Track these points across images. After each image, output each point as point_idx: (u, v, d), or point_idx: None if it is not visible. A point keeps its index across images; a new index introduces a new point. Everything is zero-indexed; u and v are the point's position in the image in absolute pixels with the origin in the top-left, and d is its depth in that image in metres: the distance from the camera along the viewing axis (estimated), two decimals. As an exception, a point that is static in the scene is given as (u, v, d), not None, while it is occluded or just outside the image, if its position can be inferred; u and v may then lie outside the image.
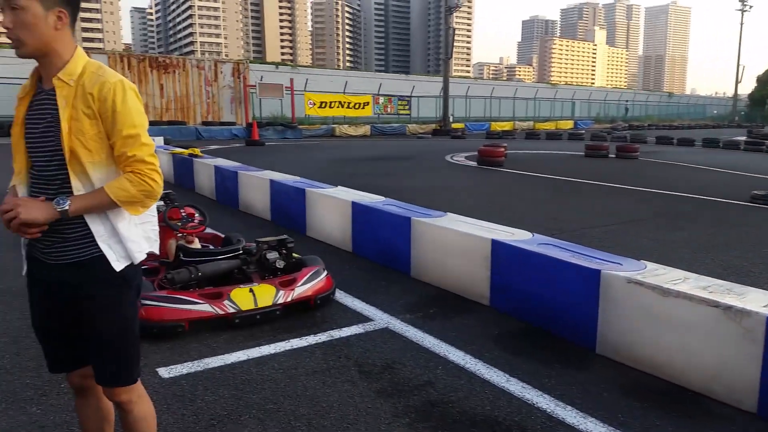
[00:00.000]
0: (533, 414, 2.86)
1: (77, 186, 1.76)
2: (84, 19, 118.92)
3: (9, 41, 1.72)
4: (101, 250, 1.80)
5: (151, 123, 19.14)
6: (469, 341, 3.71)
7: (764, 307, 2.87)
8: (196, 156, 10.28)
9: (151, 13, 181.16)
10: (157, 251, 2.03)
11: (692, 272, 3.52)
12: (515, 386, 3.13)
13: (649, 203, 9.65)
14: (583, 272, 3.59)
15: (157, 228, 2.00)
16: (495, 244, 4.26)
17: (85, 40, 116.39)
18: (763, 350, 2.76)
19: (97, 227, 1.79)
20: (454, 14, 30.99)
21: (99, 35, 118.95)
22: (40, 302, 1.90)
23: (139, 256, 1.88)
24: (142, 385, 2.03)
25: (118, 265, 1.82)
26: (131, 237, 1.85)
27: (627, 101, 60.62)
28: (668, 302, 3.14)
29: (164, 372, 3.21)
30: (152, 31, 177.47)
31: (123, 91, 1.75)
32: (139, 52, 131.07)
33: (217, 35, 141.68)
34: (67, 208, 1.71)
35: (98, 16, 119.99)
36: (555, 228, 7.13)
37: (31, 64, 1.81)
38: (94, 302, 1.82)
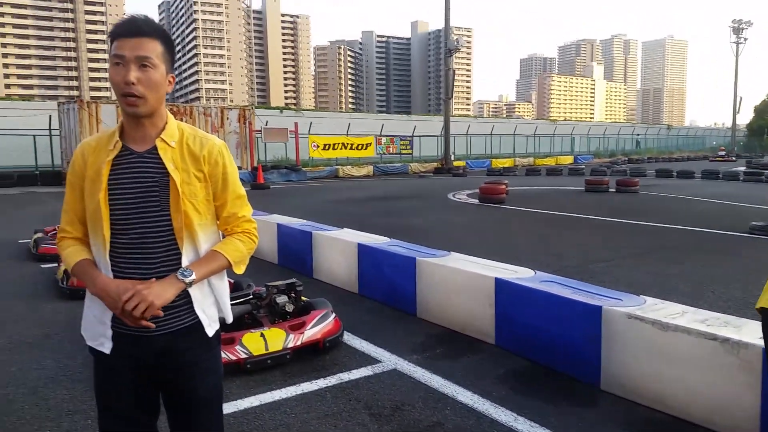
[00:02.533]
0: (540, 451, 2.92)
1: (187, 250, 1.72)
2: (92, 69, 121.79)
3: (129, 95, 1.63)
4: (198, 317, 1.77)
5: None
6: (476, 380, 3.78)
7: (760, 338, 2.95)
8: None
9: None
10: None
11: (693, 306, 3.62)
12: (523, 425, 3.19)
13: (649, 237, 9.75)
14: (585, 309, 3.68)
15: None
16: (499, 282, 4.36)
17: (93, 89, 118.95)
18: (762, 381, 2.84)
19: (195, 292, 1.73)
20: (454, 56, 31.70)
21: (107, 84, 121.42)
22: (120, 379, 1.75)
23: (229, 314, 1.89)
24: None
25: (210, 330, 1.80)
26: (222, 296, 1.85)
27: (638, 135, 61.26)
28: (668, 336, 3.23)
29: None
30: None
31: (228, 154, 1.80)
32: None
33: (223, 81, 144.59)
34: (194, 278, 1.68)
35: (106, 65, 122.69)
36: (557, 264, 7.22)
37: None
38: (197, 367, 1.78)
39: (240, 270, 1.82)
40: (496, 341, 4.39)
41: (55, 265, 6.76)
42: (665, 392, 3.27)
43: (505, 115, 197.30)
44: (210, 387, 1.83)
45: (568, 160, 43.17)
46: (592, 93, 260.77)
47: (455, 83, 32.26)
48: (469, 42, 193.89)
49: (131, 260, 1.69)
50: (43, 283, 6.47)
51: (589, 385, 3.66)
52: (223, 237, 1.85)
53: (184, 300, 1.72)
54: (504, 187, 15.23)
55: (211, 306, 1.81)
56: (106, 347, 1.73)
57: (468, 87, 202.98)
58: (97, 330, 1.75)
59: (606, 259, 7.70)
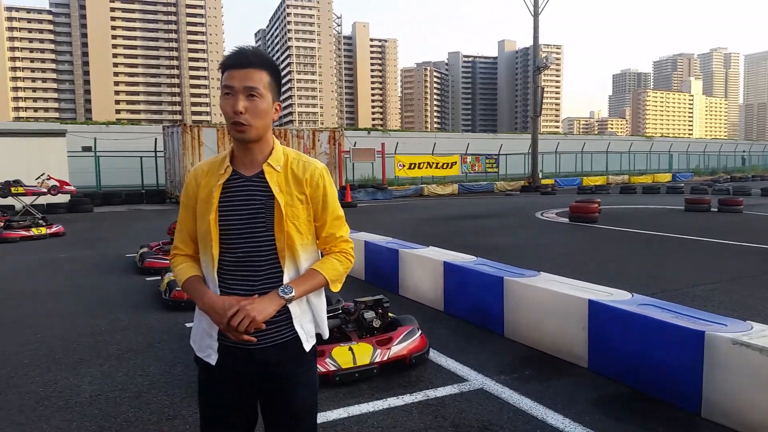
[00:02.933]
0: (638, 481, 2.77)
1: (289, 268, 1.81)
2: (193, 94, 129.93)
3: (238, 123, 1.74)
4: (296, 332, 1.85)
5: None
6: (567, 404, 3.65)
7: None
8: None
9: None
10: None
11: (808, 334, 3.32)
12: (618, 452, 3.05)
13: (755, 259, 9.05)
14: (686, 334, 3.48)
15: None
16: (592, 304, 4.21)
17: (194, 113, 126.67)
18: None
19: (294, 308, 1.82)
20: (542, 73, 31.14)
21: (207, 108, 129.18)
22: (224, 389, 1.86)
23: (326, 330, 1.95)
24: None
25: (308, 345, 1.87)
26: (320, 312, 1.93)
27: (744, 151, 57.40)
28: (781, 366, 2.98)
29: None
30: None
31: (329, 177, 1.89)
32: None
33: (314, 105, 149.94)
34: (293, 294, 1.77)
35: (206, 91, 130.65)
36: (655, 287, 6.86)
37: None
38: (294, 381, 1.85)
39: (336, 288, 1.89)
40: (589, 365, 4.22)
41: (159, 278, 7.21)
42: (779, 426, 3.01)
43: (596, 132, 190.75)
44: (305, 401, 1.88)
45: (665, 177, 41.01)
46: (690, 108, 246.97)
47: (544, 100, 31.62)
48: (558, 59, 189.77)
49: (237, 277, 1.80)
50: (147, 295, 6.92)
51: (689, 413, 3.44)
52: (322, 256, 1.92)
53: (284, 316, 1.80)
54: (596, 205, 14.67)
55: (309, 322, 1.88)
56: (212, 359, 1.83)
57: (557, 104, 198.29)
58: (204, 342, 1.86)
59: (709, 282, 7.22)
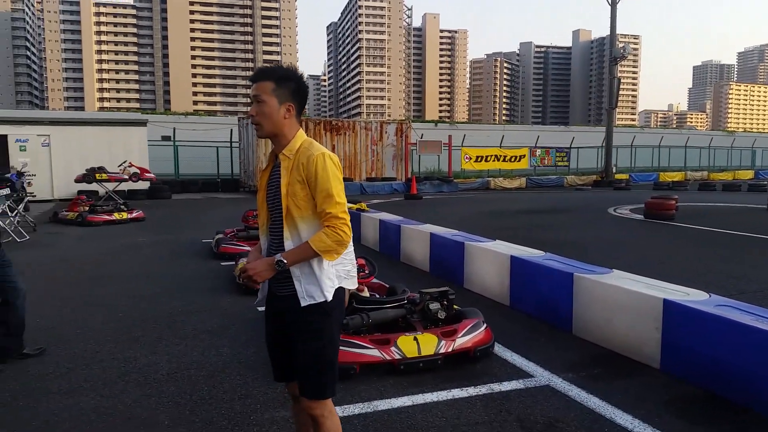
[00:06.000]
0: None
1: (288, 236, 2.26)
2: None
3: (254, 124, 2.29)
4: (295, 289, 2.26)
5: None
6: (637, 405, 3.56)
7: None
8: (363, 210, 10.98)
9: (324, 80, 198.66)
10: (355, 287, 2.47)
11: None
12: (690, 456, 2.95)
13: None
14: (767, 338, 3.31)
15: (353, 268, 2.44)
16: (667, 304, 4.06)
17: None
18: None
19: (294, 270, 2.25)
20: (619, 64, 29.97)
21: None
22: (269, 324, 2.43)
23: (330, 293, 2.27)
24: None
25: (303, 301, 2.24)
26: (323, 277, 2.26)
27: None
28: None
29: (338, 411, 3.49)
30: (324, 95, 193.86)
31: (323, 160, 2.21)
32: (313, 116, 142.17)
33: (382, 97, 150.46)
34: (285, 263, 2.21)
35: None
36: (734, 288, 6.52)
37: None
38: (304, 328, 2.27)
39: (330, 257, 2.23)
40: (662, 366, 4.09)
41: (233, 263, 7.50)
42: None
43: (675, 126, 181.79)
44: (316, 350, 2.26)
45: (747, 174, 38.68)
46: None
47: (620, 92, 30.41)
48: (636, 49, 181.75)
49: (273, 241, 2.34)
50: (222, 279, 7.22)
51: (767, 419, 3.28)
52: None
53: (287, 274, 2.25)
54: (673, 202, 14.01)
55: (311, 284, 2.25)
56: (259, 303, 2.47)
57: (634, 96, 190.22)
58: (261, 290, 2.44)
59: (796, 287, 6.80)
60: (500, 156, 30.01)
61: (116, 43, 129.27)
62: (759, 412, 3.38)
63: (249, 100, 2.28)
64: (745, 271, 7.75)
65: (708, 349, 3.73)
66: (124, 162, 15.44)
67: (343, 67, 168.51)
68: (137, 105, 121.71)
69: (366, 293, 4.96)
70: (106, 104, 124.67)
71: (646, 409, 3.50)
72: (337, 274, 2.32)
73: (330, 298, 2.27)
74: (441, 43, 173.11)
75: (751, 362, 3.43)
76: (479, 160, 29.37)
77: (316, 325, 2.26)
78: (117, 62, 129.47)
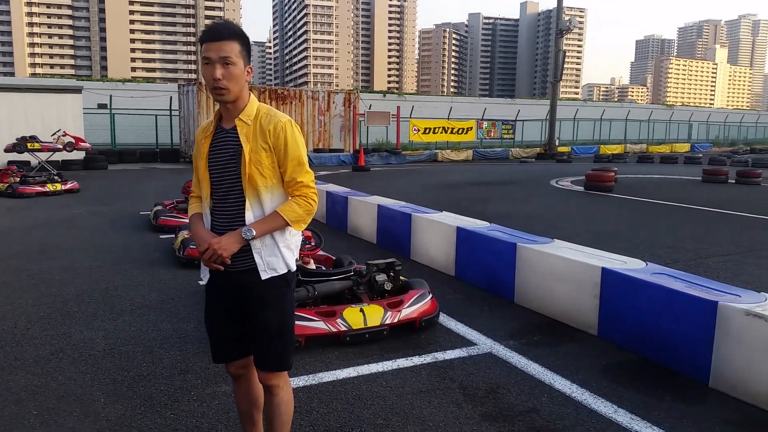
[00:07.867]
0: (643, 447, 2.79)
1: (253, 206, 2.13)
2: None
3: (217, 88, 2.07)
4: (255, 262, 2.16)
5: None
6: (575, 370, 3.67)
7: None
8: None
9: (270, 47, 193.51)
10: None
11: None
12: (623, 417, 3.07)
13: (777, 233, 8.92)
14: (699, 304, 3.46)
15: (299, 241, 2.36)
16: (605, 272, 4.19)
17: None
18: None
19: (255, 243, 2.14)
20: (564, 37, 30.40)
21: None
22: (218, 301, 2.27)
23: (292, 263, 2.24)
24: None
25: (264, 274, 2.16)
26: (284, 248, 2.20)
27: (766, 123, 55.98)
28: (795, 339, 2.96)
29: (282, 383, 3.46)
30: (270, 63, 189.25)
31: (291, 128, 2.15)
32: (258, 84, 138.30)
33: (329, 66, 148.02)
34: (254, 234, 2.10)
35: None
36: (669, 257, 6.81)
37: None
38: (262, 302, 2.18)
39: (299, 228, 2.17)
40: (599, 333, 4.23)
41: (173, 236, 7.28)
42: (789, 398, 3.01)
43: (617, 99, 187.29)
44: (274, 322, 2.19)
45: (684, 148, 40.30)
46: (713, 77, 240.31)
47: (565, 65, 30.93)
48: (581, 22, 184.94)
49: (220, 214, 2.18)
50: (161, 252, 7.00)
51: (698, 383, 3.45)
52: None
53: (247, 247, 2.14)
54: (612, 174, 14.49)
55: (272, 256, 2.17)
56: (205, 279, 2.29)
57: (578, 70, 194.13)
58: (203, 266, 2.24)
59: (723, 254, 7.16)
60: (448, 128, 30.18)
61: (49, 5, 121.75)
62: (690, 376, 3.54)
63: (206, 62, 2.07)
64: (680, 240, 8.10)
65: (643, 316, 3.87)
66: (58, 131, 14.70)
67: (289, 34, 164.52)
68: (72, 71, 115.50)
69: (312, 265, 4.91)
70: (38, 70, 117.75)
71: (583, 374, 3.62)
72: (296, 243, 2.28)
73: (294, 268, 2.25)
74: (390, 12, 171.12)
75: (684, 328, 3.58)
76: (427, 132, 29.45)
77: (279, 296, 2.21)
78: (50, 26, 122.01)
